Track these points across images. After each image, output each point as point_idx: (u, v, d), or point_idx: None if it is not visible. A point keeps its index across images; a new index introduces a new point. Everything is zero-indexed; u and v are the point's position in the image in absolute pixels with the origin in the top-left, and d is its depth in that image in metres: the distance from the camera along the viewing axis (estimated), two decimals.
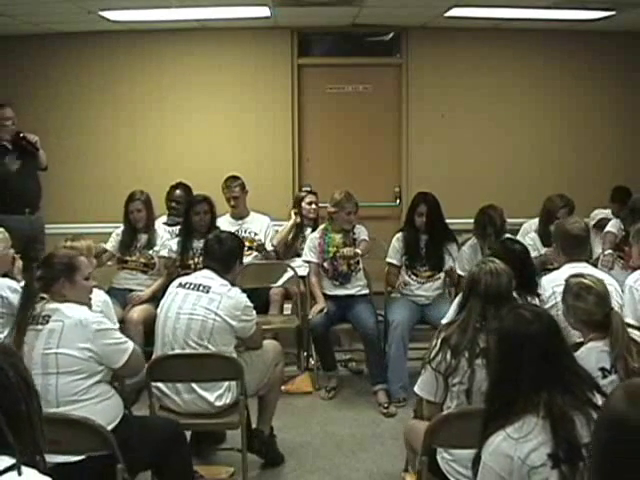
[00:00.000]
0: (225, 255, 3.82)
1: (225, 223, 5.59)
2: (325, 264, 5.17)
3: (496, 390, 2.22)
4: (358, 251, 5.08)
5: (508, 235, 4.89)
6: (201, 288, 3.65)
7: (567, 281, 3.06)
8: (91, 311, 3.13)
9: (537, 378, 2.12)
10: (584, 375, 2.27)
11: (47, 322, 2.92)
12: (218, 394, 3.57)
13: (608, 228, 5.19)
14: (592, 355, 2.79)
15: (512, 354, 2.18)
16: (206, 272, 3.78)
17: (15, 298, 3.75)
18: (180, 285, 3.75)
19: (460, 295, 3.16)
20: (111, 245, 5.31)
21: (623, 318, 2.93)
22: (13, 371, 1.68)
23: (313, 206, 5.72)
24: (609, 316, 2.85)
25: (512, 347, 2.19)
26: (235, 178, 5.74)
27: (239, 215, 5.78)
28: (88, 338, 2.91)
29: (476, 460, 2.14)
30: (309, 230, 5.66)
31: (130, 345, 3.10)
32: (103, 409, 2.91)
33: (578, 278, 3.02)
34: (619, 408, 1.54)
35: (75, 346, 2.88)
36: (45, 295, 3.03)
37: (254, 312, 3.76)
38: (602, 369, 2.76)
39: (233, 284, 3.76)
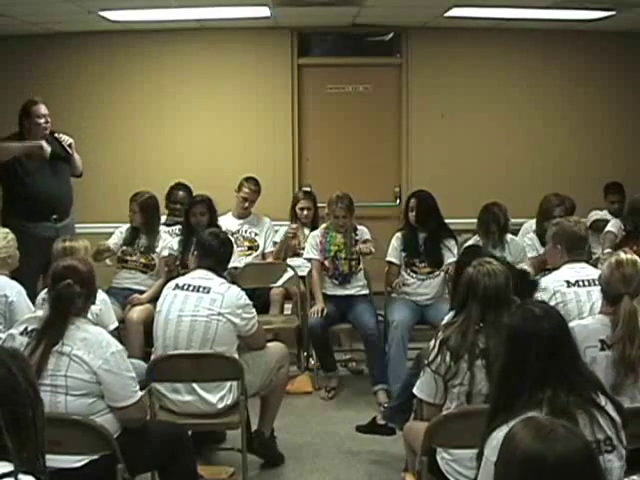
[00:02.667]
0: (225, 254, 3.82)
1: (226, 222, 5.60)
2: (326, 262, 5.17)
3: (502, 385, 2.22)
4: (373, 249, 5.10)
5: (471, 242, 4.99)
6: (201, 289, 3.63)
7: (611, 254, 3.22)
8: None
9: (543, 375, 2.13)
10: (589, 375, 2.28)
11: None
12: (220, 395, 3.56)
13: (608, 228, 5.21)
14: (596, 325, 2.88)
15: (519, 349, 2.19)
16: (202, 272, 3.74)
17: (19, 300, 3.75)
18: (177, 287, 3.70)
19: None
20: (113, 242, 5.31)
21: (635, 306, 2.95)
22: (22, 376, 1.70)
23: (305, 212, 5.71)
24: (622, 299, 2.89)
25: (520, 342, 2.20)
26: (256, 181, 5.76)
27: (242, 215, 5.78)
28: (102, 357, 2.79)
29: (479, 456, 2.14)
30: (307, 231, 5.67)
31: (140, 394, 2.95)
32: (110, 419, 2.86)
33: (621, 252, 3.13)
34: (532, 447, 1.59)
35: (85, 369, 2.76)
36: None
37: (254, 310, 3.75)
38: (602, 341, 2.84)
39: (232, 282, 3.75)
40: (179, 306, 3.62)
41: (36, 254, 4.43)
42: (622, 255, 3.04)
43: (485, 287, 2.90)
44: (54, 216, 4.97)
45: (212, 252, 3.78)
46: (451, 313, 3.36)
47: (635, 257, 3.08)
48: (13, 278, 3.90)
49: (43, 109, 4.92)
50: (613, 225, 5.22)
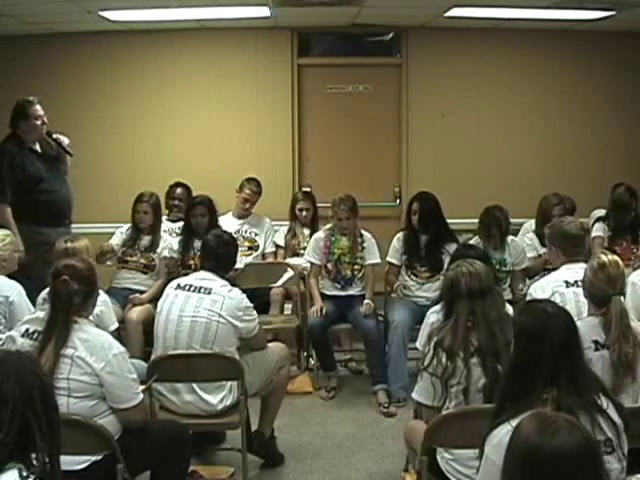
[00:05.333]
0: (228, 256, 3.82)
1: (226, 221, 5.60)
2: (329, 265, 5.17)
3: (510, 383, 2.22)
4: (372, 305, 5.01)
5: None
6: (202, 290, 3.63)
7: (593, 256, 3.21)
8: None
9: (552, 374, 2.14)
10: (590, 376, 2.29)
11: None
12: (221, 397, 3.57)
13: (594, 233, 5.16)
14: (587, 327, 2.89)
15: (533, 346, 2.19)
16: (204, 274, 3.75)
17: (20, 301, 3.74)
18: (179, 287, 3.71)
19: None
20: (115, 243, 5.31)
21: (624, 305, 2.97)
22: (47, 380, 1.76)
23: (304, 213, 5.72)
24: (610, 301, 2.90)
25: (534, 339, 2.20)
26: (258, 183, 5.77)
27: (242, 215, 5.79)
28: (104, 359, 2.80)
29: (481, 453, 2.14)
30: (306, 231, 5.68)
31: (141, 395, 2.96)
32: (112, 421, 2.87)
33: (601, 255, 3.12)
34: (532, 439, 1.64)
35: (87, 371, 2.77)
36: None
37: (255, 312, 3.76)
38: (595, 342, 2.87)
39: (233, 284, 3.75)
40: (180, 306, 3.63)
41: (53, 260, 4.36)
42: (603, 257, 3.06)
43: (466, 283, 2.96)
44: (67, 220, 4.89)
45: (215, 254, 3.79)
46: (438, 306, 3.41)
47: (616, 257, 3.10)
48: (28, 286, 3.81)
49: (40, 110, 4.73)
50: (597, 229, 5.18)
